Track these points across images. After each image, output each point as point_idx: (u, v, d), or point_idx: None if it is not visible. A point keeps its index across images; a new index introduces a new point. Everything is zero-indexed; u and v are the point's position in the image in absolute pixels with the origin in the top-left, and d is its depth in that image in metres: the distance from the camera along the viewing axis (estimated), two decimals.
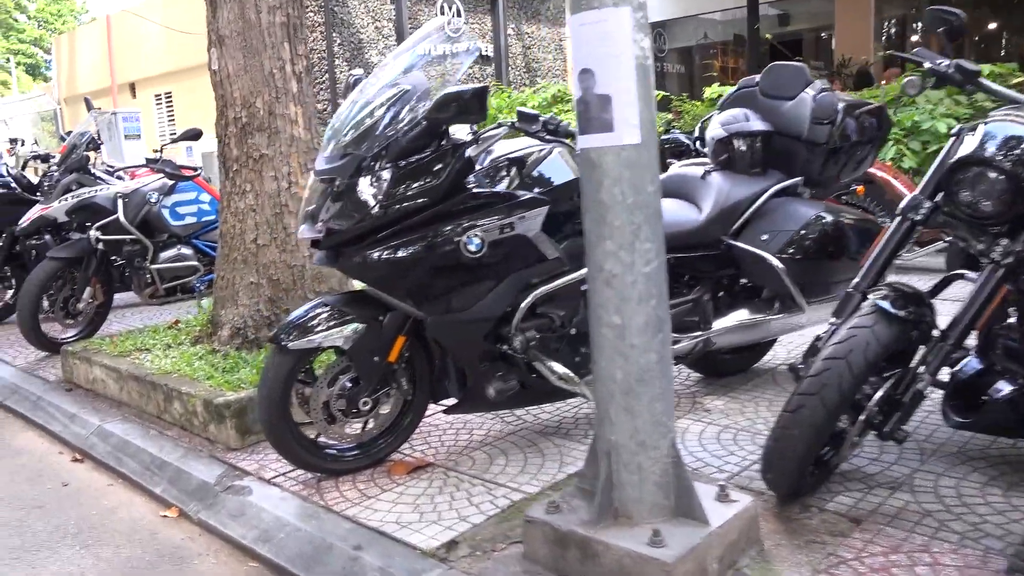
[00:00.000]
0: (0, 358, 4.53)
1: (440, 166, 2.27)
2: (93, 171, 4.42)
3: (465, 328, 2.41)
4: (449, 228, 2.30)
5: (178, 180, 4.58)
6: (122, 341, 3.84)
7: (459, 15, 13.20)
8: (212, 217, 4.83)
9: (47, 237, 5.24)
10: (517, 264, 2.41)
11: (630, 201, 1.80)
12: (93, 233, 4.34)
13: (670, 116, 8.01)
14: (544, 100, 8.51)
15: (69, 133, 4.83)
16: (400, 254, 2.28)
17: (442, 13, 13.24)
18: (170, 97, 15.95)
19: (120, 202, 4.36)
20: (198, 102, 14.62)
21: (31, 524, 2.61)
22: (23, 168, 5.59)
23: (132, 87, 17.01)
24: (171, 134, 15.89)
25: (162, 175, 4.55)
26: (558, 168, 2.58)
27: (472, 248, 2.29)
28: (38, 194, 5.34)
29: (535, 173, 2.53)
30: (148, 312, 5.53)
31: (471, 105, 2.18)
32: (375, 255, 2.28)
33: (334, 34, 11.89)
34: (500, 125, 2.55)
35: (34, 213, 4.36)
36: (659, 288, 1.86)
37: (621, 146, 1.78)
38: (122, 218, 4.34)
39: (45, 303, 4.38)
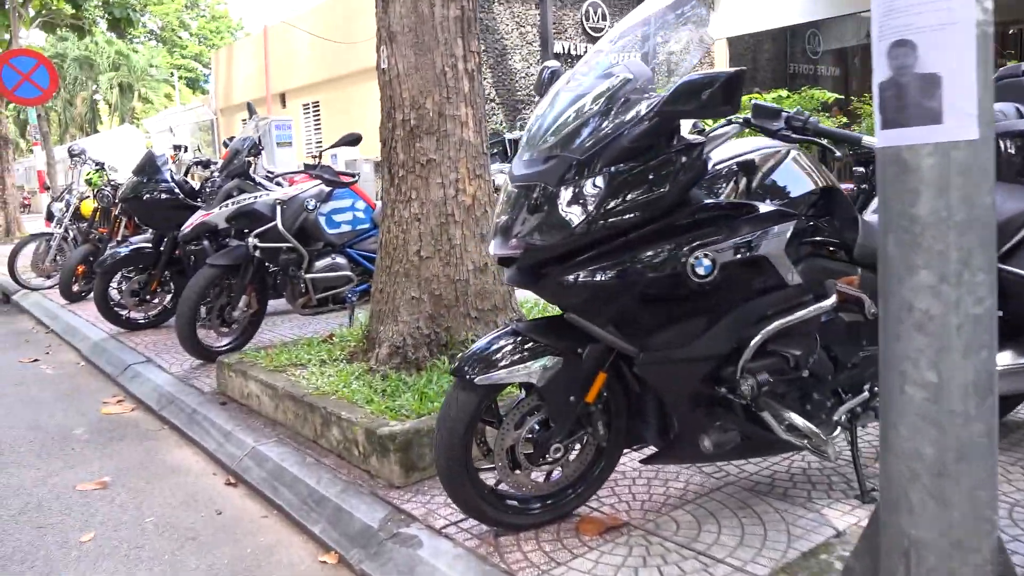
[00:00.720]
0: (158, 364, 4.49)
1: (667, 171, 1.86)
2: (254, 177, 4.31)
3: (683, 367, 1.99)
4: (673, 247, 1.89)
5: (336, 187, 4.41)
6: (277, 355, 3.67)
7: (604, 19, 12.79)
8: (367, 225, 4.64)
9: (205, 243, 5.23)
10: (752, 291, 1.97)
11: (959, 218, 1.33)
12: (251, 240, 4.22)
13: (844, 119, 7.28)
14: None
15: (231, 139, 4.77)
16: (611, 276, 1.89)
17: (587, 18, 12.90)
18: (317, 106, 16.42)
19: (279, 209, 4.23)
20: (343, 111, 14.97)
21: (184, 559, 2.39)
22: (185, 174, 5.64)
23: (283, 97, 17.68)
24: (317, 143, 16.37)
25: (320, 182, 4.40)
26: (794, 176, 2.12)
27: (700, 271, 1.87)
28: (199, 200, 5.36)
29: (768, 182, 2.09)
30: (297, 321, 5.43)
31: (720, 96, 1.77)
32: (581, 277, 1.90)
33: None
34: (730, 122, 2.12)
35: (196, 219, 4.30)
36: (991, 336, 1.38)
37: (952, 143, 1.32)
38: (280, 226, 4.20)
39: (202, 310, 4.31)
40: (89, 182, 7.60)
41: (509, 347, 2.03)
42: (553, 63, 2.41)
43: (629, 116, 1.89)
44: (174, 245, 5.38)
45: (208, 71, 44.48)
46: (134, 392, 4.18)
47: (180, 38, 43.60)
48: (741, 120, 2.15)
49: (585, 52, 13.91)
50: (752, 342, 1.98)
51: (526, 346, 2.03)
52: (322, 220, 4.41)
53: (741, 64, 15.51)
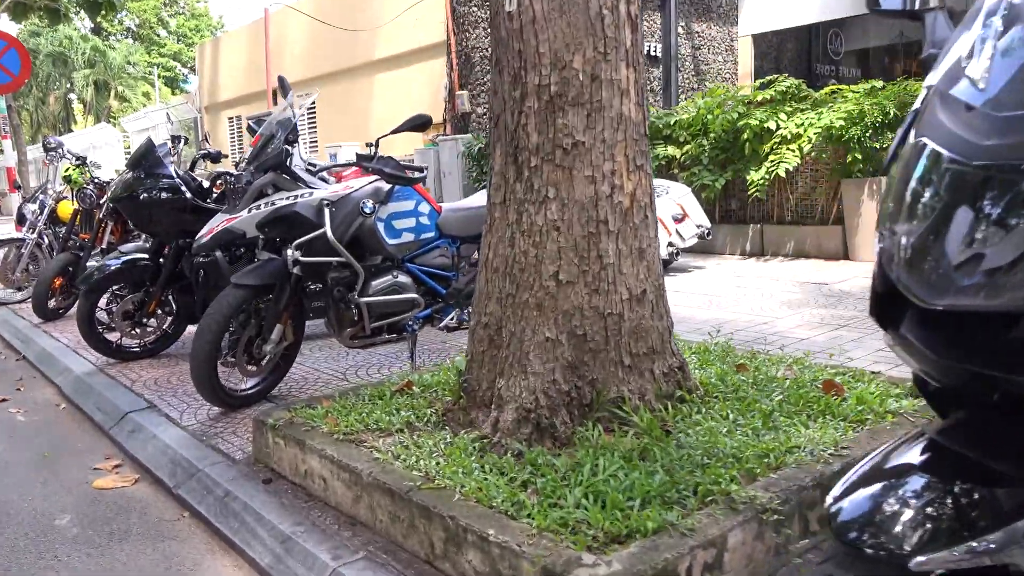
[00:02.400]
0: (164, 411, 3.46)
1: None
2: (294, 170, 3.29)
3: None
4: None
5: (398, 184, 3.41)
6: (341, 412, 2.66)
7: None
8: (432, 234, 3.64)
9: (218, 254, 4.21)
10: None
11: None
12: (290, 253, 3.21)
13: None
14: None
15: (258, 120, 3.75)
16: None
17: None
18: (312, 102, 15.33)
19: (327, 212, 3.22)
20: (342, 107, 13.93)
21: None
22: (191, 169, 4.61)
23: (273, 93, 16.54)
24: (312, 142, 15.30)
25: (378, 177, 3.40)
26: None
27: None
28: (208, 200, 4.33)
29: None
30: (331, 351, 4.42)
31: None
32: None
33: None
34: None
35: (217, 224, 3.28)
36: None
37: None
38: (330, 234, 3.19)
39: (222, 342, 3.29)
40: (68, 180, 6.51)
41: (935, 499, 1.04)
42: None
43: None
44: (177, 256, 4.35)
45: (187, 71, 43.09)
46: (135, 454, 3.15)
47: (158, 36, 42.15)
48: None
49: None
50: None
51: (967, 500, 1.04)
52: (380, 227, 3.40)
53: (765, 62, 14.71)
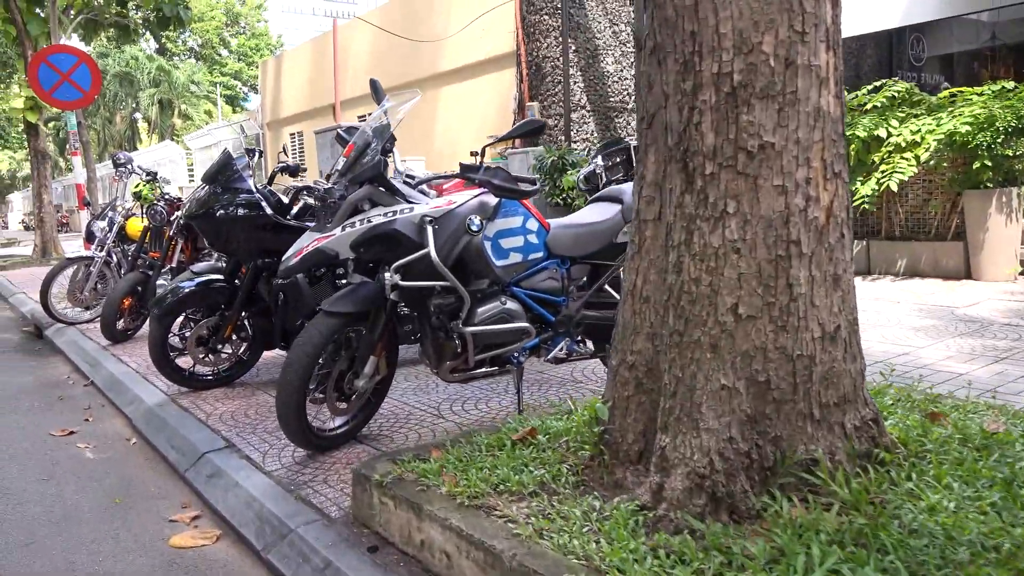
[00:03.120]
0: (245, 452, 3.11)
1: None
2: (393, 183, 2.91)
3: None
4: None
5: (508, 198, 3.00)
6: (457, 467, 2.25)
7: None
8: (540, 254, 3.23)
9: (299, 275, 3.88)
10: None
11: None
12: (389, 277, 2.83)
13: None
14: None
15: (349, 128, 3.39)
16: None
17: None
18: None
19: (430, 231, 2.82)
20: (406, 120, 13.66)
21: None
22: (269, 183, 4.29)
23: (333, 109, 16.47)
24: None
25: (485, 190, 3.00)
26: None
27: None
28: (288, 216, 4.00)
29: None
30: (411, 382, 4.03)
31: None
32: None
33: (569, 39, 10.41)
34: None
35: (307, 245, 2.91)
36: None
37: None
38: (435, 255, 2.79)
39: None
40: (137, 196, 6.29)
41: None
42: None
43: None
44: (255, 277, 4.02)
45: (247, 90, 43.86)
46: (216, 505, 2.79)
47: (220, 55, 43.05)
48: None
49: None
50: None
51: None
52: (488, 247, 3.00)
53: (845, 69, 14.02)
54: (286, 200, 4.09)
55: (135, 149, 31.24)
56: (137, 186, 6.28)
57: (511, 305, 3.06)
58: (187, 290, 3.98)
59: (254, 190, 3.85)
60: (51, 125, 28.57)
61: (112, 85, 32.36)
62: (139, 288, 5.77)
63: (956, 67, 15.92)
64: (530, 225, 3.21)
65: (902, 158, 6.05)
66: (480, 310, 2.99)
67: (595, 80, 10.63)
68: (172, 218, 5.88)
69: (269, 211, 3.83)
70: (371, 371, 3.01)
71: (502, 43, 11.38)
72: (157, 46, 39.16)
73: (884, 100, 6.52)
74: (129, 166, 6.72)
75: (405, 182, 3.10)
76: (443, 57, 12.56)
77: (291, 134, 18.40)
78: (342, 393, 3.03)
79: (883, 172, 6.19)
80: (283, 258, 2.98)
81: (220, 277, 4.09)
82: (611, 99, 10.85)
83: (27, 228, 32.58)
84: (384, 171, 2.91)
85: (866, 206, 6.37)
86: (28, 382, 5.07)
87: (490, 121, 11.45)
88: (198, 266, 4.56)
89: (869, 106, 6.59)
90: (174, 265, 5.86)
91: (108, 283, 6.60)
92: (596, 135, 10.62)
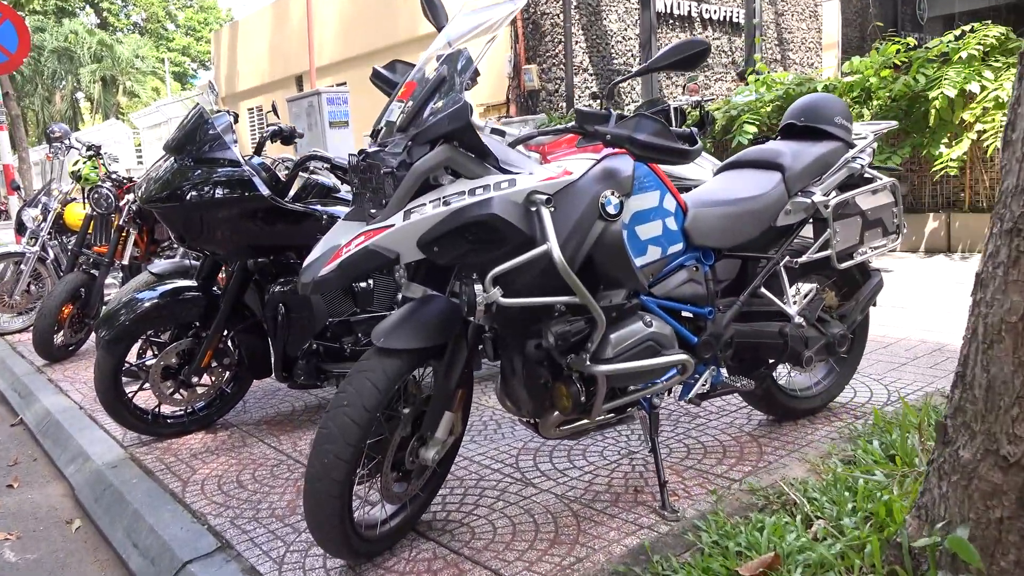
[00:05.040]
0: (249, 561, 2.02)
1: None
2: (485, 139, 1.81)
3: None
4: None
5: (659, 160, 1.93)
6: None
7: None
8: (679, 247, 2.18)
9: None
10: None
11: None
12: (482, 291, 1.75)
13: None
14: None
15: (391, 65, 2.26)
16: None
17: None
18: (344, 88, 13.87)
19: (546, 216, 1.74)
20: (376, 90, 12.39)
21: None
22: (257, 153, 3.13)
23: (299, 80, 15.10)
24: None
25: (613, 150, 1.93)
26: None
27: None
28: (287, 199, 2.89)
29: None
30: (471, 418, 2.97)
31: None
32: None
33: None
34: None
35: (346, 243, 1.78)
36: None
37: None
38: (558, 253, 1.71)
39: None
40: (78, 177, 5.07)
41: None
42: None
43: None
44: (242, 284, 2.91)
45: (195, 66, 41.65)
46: None
47: (166, 30, 40.76)
48: None
49: (689, 11, 11.53)
50: None
51: None
52: (625, 237, 1.93)
53: (851, 29, 13.16)
54: (282, 176, 2.97)
55: (77, 129, 29.24)
56: (76, 163, 5.05)
57: (658, 327, 2.01)
58: (147, 303, 2.85)
59: (241, 161, 2.71)
60: None
61: (50, 62, 30.16)
62: (82, 292, 4.59)
63: (957, 27, 15.22)
64: (667, 204, 2.15)
65: (1003, 115, 5.13)
66: (616, 337, 1.94)
67: (597, 40, 9.54)
68: (122, 203, 4.69)
69: (265, 191, 2.70)
70: (446, 434, 1.94)
71: None
72: (98, 20, 36.89)
73: (977, 49, 5.56)
74: (66, 140, 5.49)
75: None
76: (422, 19, 11.33)
77: (249, 109, 16.97)
78: (400, 469, 1.96)
79: (980, 133, 5.26)
80: (304, 264, 1.87)
81: (192, 284, 2.97)
82: (615, 61, 9.77)
83: None
84: (471, 120, 1.80)
85: (950, 171, 5.44)
86: None
87: (482, 89, 10.30)
88: (158, 265, 3.43)
89: (955, 57, 5.64)
90: (125, 263, 4.69)
91: (44, 284, 5.39)
92: (599, 101, 9.55)
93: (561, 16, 9.10)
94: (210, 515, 2.31)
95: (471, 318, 1.86)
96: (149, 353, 3.09)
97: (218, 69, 17.98)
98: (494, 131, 2.01)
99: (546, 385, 2.00)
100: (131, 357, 3.00)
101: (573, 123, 1.92)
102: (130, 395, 2.96)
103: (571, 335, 1.86)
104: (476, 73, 1.92)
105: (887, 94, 5.81)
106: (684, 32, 10.64)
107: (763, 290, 2.37)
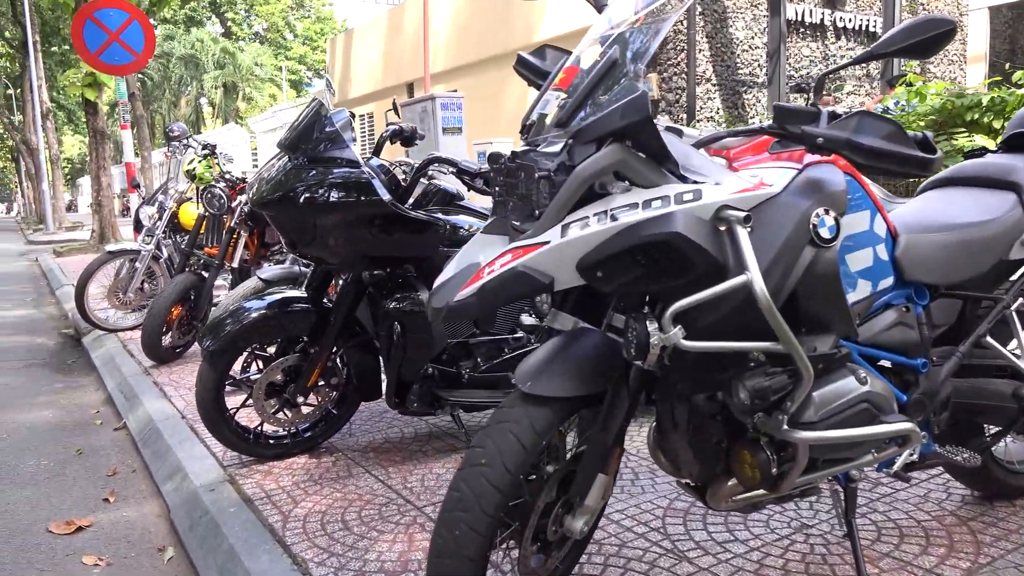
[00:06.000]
0: None
1: None
2: (666, 138, 1.47)
3: None
4: None
5: (882, 173, 1.52)
6: None
7: None
8: (889, 281, 1.74)
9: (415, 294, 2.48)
10: None
11: None
12: (659, 330, 1.38)
13: None
14: None
15: (542, 49, 1.93)
16: None
17: None
18: (458, 93, 13.79)
19: (743, 237, 1.36)
20: (492, 98, 12.26)
21: None
22: (376, 154, 2.88)
23: (410, 87, 15.16)
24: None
25: (821, 157, 1.53)
26: None
27: None
28: (408, 205, 2.60)
29: None
30: None
31: None
32: None
33: None
34: None
35: (488, 264, 1.47)
36: None
37: None
38: (760, 286, 1.33)
39: None
40: (192, 176, 5.00)
41: None
42: None
43: None
44: (355, 298, 2.64)
45: (311, 74, 43.09)
46: None
47: (285, 39, 42.35)
48: None
49: (822, 19, 10.85)
50: None
51: None
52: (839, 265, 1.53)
53: (998, 42, 12.10)
54: (402, 180, 2.69)
55: (199, 132, 30.65)
56: (191, 162, 4.98)
57: (873, 385, 1.59)
58: (255, 313, 2.62)
59: (360, 163, 2.44)
60: (105, 99, 28.14)
61: (178, 68, 31.78)
62: (191, 294, 4.49)
63: None
64: (877, 228, 1.72)
65: None
66: (821, 396, 1.53)
67: (722, 48, 9.01)
68: (234, 204, 4.57)
69: (385, 195, 2.41)
70: (597, 501, 1.58)
71: None
72: (222, 29, 38.68)
73: None
74: (184, 140, 5.44)
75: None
76: (537, 26, 11.08)
77: (360, 116, 17.18)
78: (542, 543, 1.61)
79: None
80: (436, 284, 1.55)
81: (301, 294, 2.73)
82: (740, 71, 9.22)
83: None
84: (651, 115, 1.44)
85: None
86: (46, 419, 3.81)
87: None
88: (268, 271, 3.22)
89: None
90: (235, 265, 4.56)
91: (157, 283, 5.35)
92: (723, 113, 9.01)
93: (684, 22, 8.63)
94: (312, 562, 2.02)
95: (637, 361, 1.49)
96: (254, 367, 2.87)
97: (332, 76, 18.33)
98: (668, 129, 1.64)
99: (719, 445, 1.61)
100: (235, 367, 2.79)
101: (769, 123, 1.53)
102: (232, 411, 2.74)
103: (771, 392, 1.47)
104: (652, 61, 1.56)
105: None
106: (815, 41, 9.97)
107: (989, 339, 1.90)
